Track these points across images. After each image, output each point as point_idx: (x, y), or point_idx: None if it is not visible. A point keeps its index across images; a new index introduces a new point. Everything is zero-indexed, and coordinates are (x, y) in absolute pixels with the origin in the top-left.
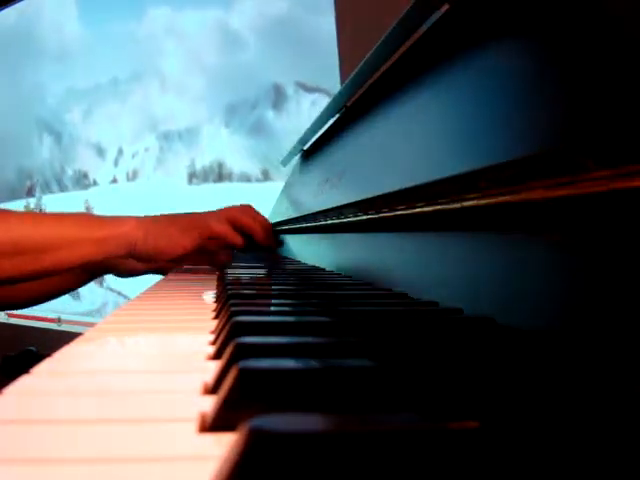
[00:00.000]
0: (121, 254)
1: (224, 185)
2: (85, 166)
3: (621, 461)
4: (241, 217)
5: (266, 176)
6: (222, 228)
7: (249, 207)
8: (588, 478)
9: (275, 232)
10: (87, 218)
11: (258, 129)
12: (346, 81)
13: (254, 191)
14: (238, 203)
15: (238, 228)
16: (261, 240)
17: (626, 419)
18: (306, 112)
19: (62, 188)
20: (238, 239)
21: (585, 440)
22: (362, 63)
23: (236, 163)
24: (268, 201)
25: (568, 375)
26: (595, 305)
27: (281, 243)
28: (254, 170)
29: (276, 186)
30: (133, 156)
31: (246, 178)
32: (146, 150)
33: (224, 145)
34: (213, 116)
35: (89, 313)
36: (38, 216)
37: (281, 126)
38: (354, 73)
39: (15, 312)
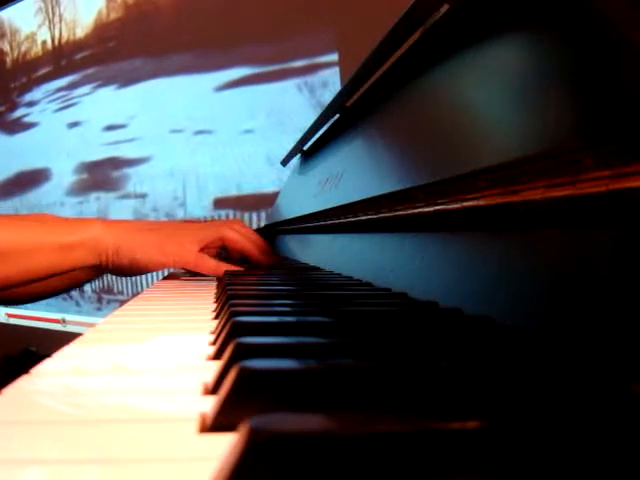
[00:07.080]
0: (90, 263)
1: None
2: None
3: (623, 460)
4: (237, 238)
5: None
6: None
7: (239, 223)
8: (590, 478)
9: (274, 234)
10: (51, 220)
11: None
12: (346, 81)
13: None
14: None
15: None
16: (258, 260)
17: (628, 417)
18: None
19: None
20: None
21: (587, 439)
22: (362, 63)
23: None
24: None
25: (569, 374)
26: (595, 305)
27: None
28: None
29: None
30: None
31: None
32: None
33: None
34: None
35: None
36: None
37: None
38: (354, 73)
39: (18, 312)
